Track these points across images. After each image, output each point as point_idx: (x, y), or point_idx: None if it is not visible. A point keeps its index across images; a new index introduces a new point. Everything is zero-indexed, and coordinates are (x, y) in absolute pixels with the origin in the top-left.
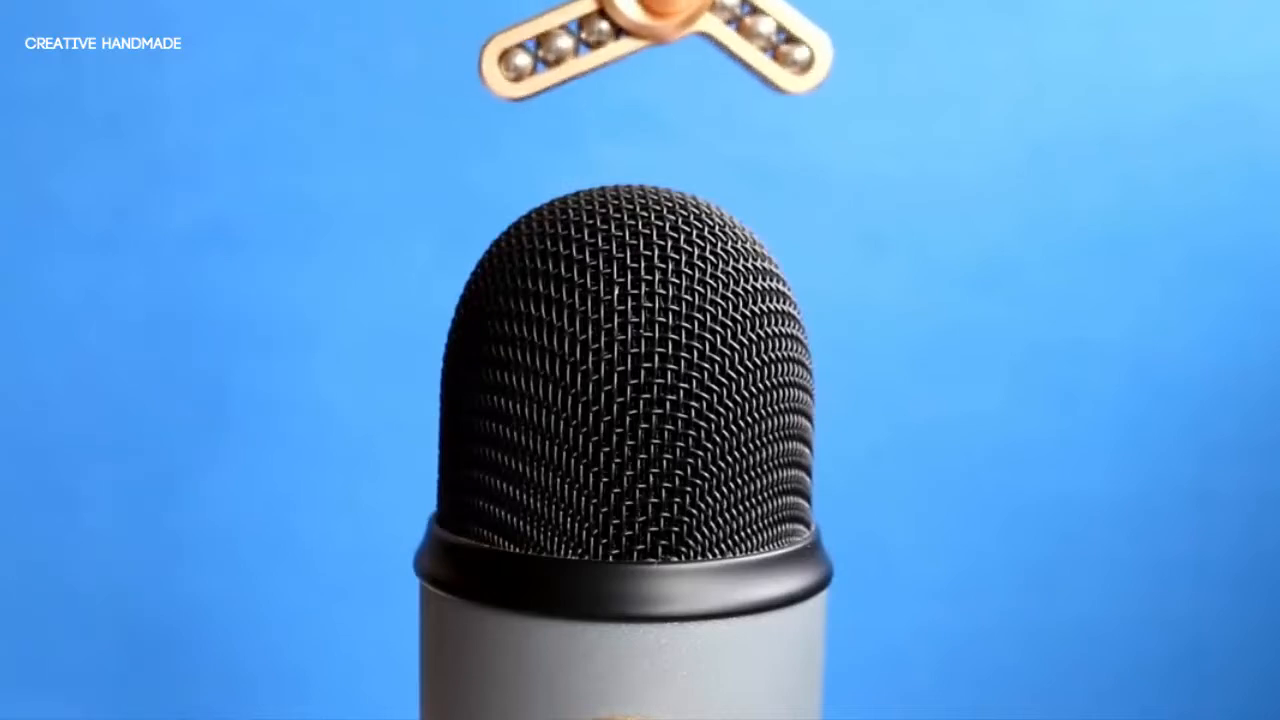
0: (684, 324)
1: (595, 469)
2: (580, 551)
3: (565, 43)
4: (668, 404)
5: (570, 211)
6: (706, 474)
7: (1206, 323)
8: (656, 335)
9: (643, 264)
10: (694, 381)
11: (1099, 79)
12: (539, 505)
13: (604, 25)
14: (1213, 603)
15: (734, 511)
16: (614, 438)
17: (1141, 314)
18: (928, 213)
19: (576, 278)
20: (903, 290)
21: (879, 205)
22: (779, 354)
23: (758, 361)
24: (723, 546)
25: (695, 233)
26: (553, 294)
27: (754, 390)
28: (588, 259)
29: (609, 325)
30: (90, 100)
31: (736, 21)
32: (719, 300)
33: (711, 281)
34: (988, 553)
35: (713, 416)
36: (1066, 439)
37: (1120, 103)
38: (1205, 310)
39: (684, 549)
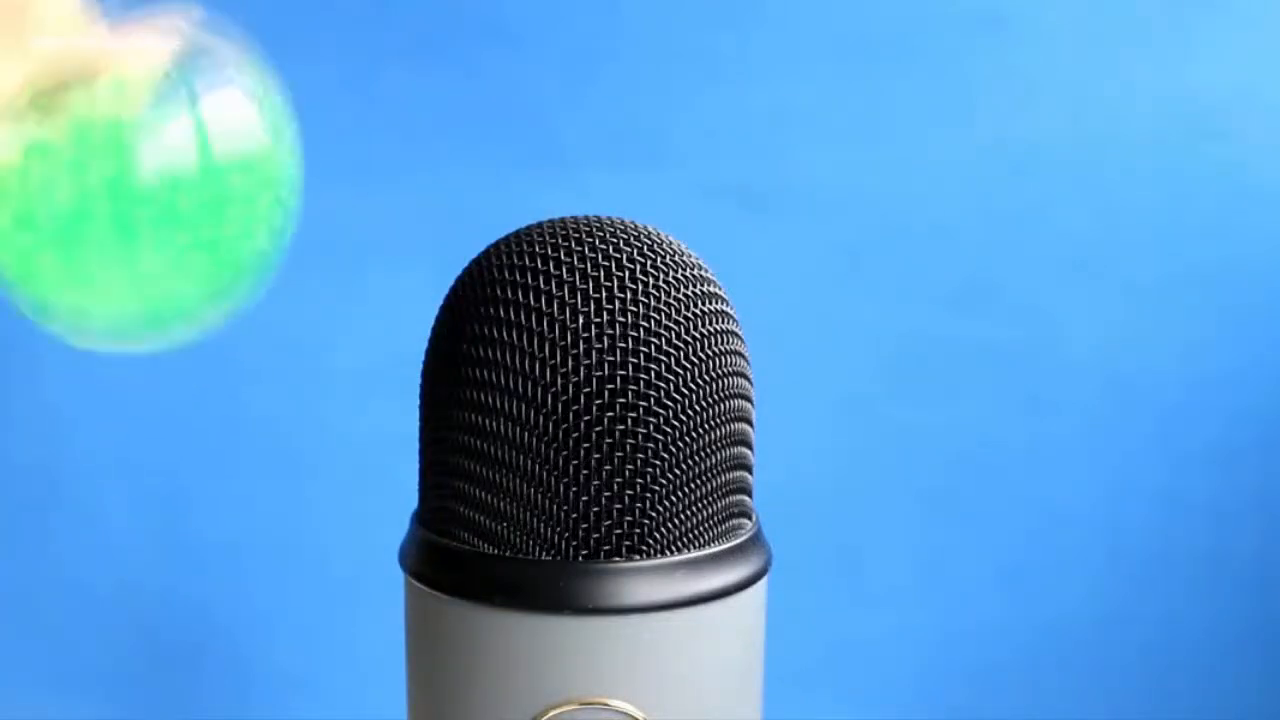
0: (643, 348)
1: (565, 480)
2: (553, 553)
3: None
4: (629, 420)
5: (535, 245)
6: (664, 481)
7: (1175, 335)
8: (619, 359)
9: (604, 293)
10: (653, 399)
11: (1078, 99)
12: (515, 512)
13: None
14: (1181, 602)
15: (689, 513)
16: (582, 452)
17: (1114, 326)
18: (908, 229)
19: (545, 306)
20: (882, 303)
21: (861, 221)
22: (726, 369)
23: (708, 378)
24: (679, 544)
25: (650, 263)
26: (523, 321)
27: (705, 404)
28: (554, 289)
29: (575, 350)
30: None
31: None
32: (673, 325)
33: (666, 308)
34: (965, 556)
35: (669, 430)
36: (1041, 447)
37: (1098, 122)
38: (1174, 323)
39: (645, 548)
